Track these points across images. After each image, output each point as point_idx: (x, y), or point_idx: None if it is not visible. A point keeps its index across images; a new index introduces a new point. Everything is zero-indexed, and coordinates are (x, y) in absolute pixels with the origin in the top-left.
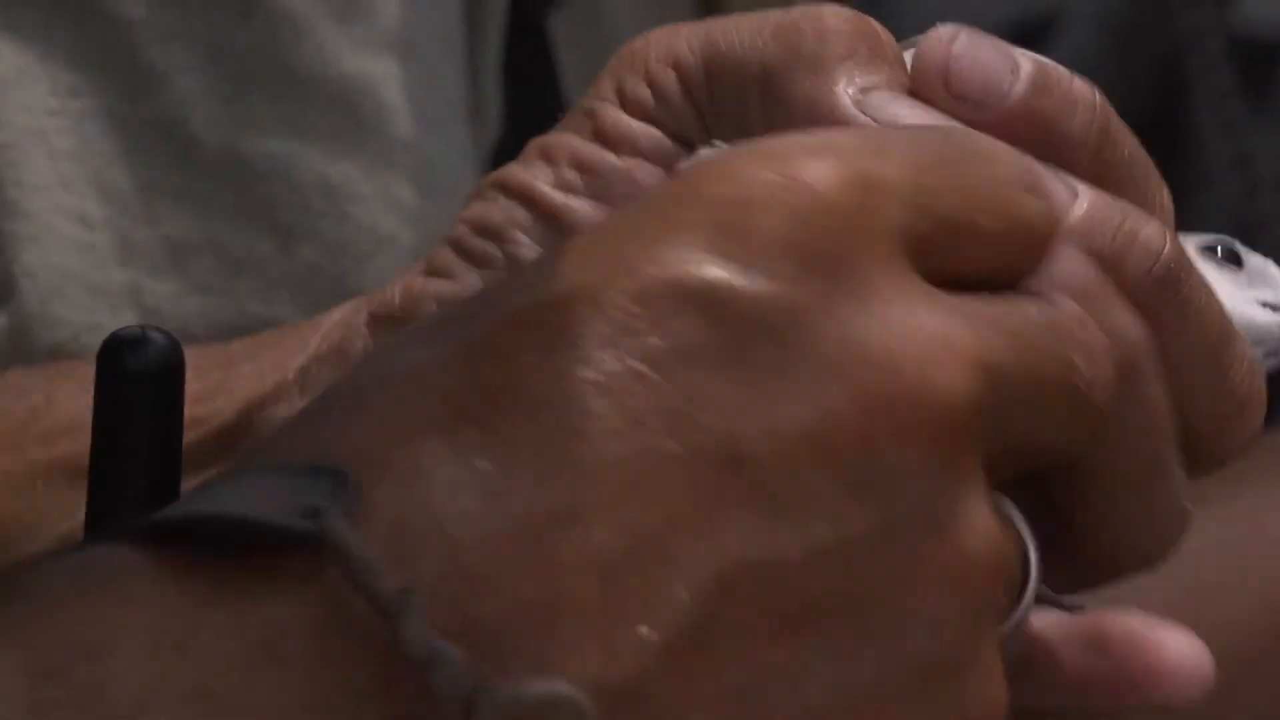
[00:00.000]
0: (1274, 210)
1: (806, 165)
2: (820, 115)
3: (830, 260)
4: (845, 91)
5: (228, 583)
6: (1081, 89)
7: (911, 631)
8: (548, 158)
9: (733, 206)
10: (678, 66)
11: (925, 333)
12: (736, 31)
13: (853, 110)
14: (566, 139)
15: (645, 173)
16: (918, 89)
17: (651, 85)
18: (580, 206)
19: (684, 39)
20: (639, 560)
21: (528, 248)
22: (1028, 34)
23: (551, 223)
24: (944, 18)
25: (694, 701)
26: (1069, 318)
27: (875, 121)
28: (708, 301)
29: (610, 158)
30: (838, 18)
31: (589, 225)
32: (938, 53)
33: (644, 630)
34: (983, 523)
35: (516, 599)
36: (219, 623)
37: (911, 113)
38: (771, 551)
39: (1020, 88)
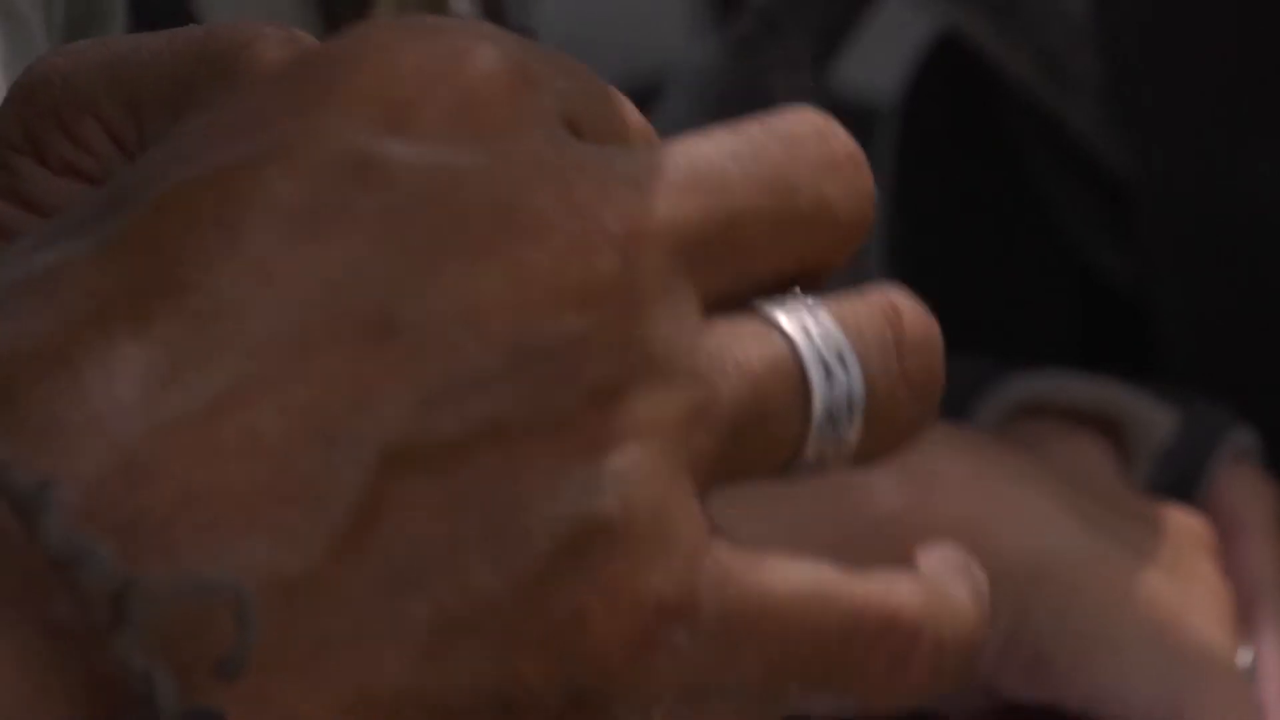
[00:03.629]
0: (872, 276)
1: (470, 44)
2: None
3: (494, 133)
4: None
5: None
6: None
7: (569, 504)
8: None
9: (396, 79)
10: (99, 115)
11: (581, 208)
12: (157, 68)
13: None
14: None
15: None
16: None
17: (71, 137)
18: None
19: (100, 81)
20: (304, 442)
21: None
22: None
23: None
24: None
25: (360, 582)
26: (779, 139)
27: None
28: (368, 173)
29: (36, 224)
30: (272, 46)
31: (225, 97)
32: None
33: (312, 514)
34: (669, 380)
35: (181, 489)
36: None
37: None
38: (431, 429)
39: None
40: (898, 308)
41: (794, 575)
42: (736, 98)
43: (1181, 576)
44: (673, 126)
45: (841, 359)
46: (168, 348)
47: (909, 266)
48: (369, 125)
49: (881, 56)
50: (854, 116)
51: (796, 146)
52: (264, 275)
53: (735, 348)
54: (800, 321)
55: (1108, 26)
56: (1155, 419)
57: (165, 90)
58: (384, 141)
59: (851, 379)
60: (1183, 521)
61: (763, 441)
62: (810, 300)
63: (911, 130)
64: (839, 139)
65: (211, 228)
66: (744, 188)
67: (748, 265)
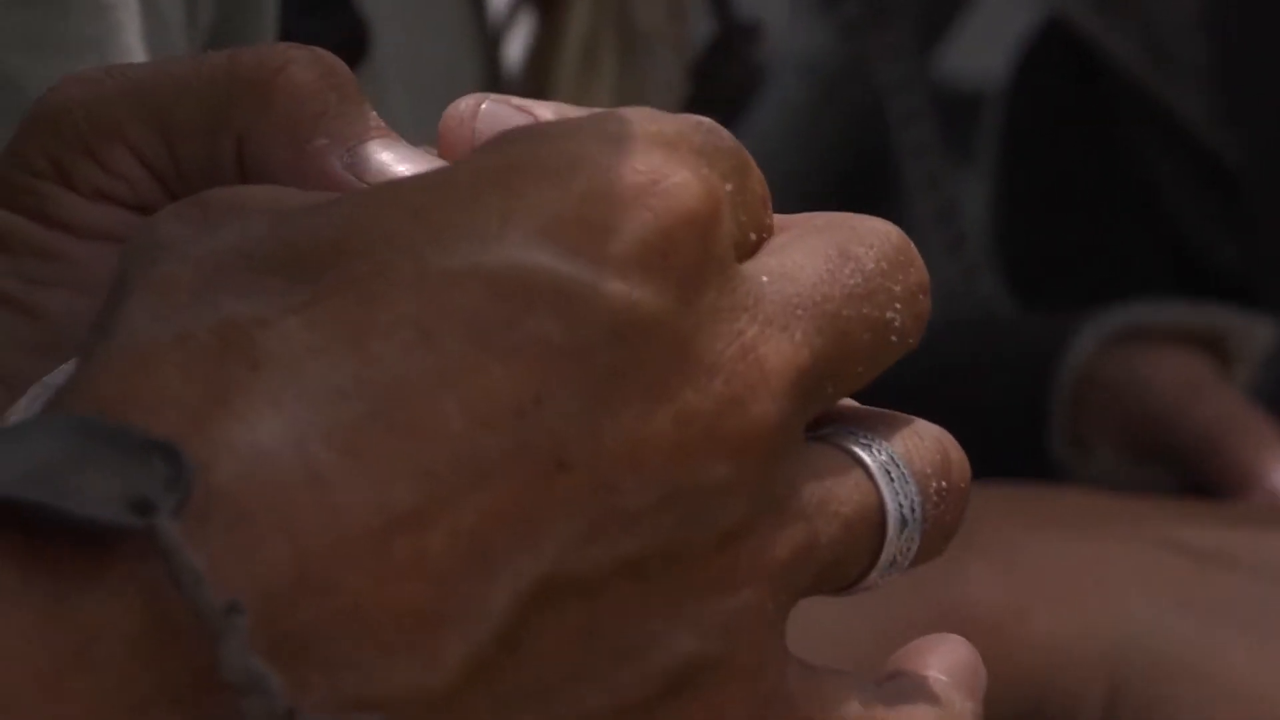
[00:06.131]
0: (978, 262)
1: (673, 171)
2: (309, 183)
3: (680, 273)
4: (333, 157)
5: (41, 573)
6: None
7: (687, 640)
8: None
9: (598, 200)
10: (128, 142)
11: (745, 352)
12: (188, 94)
13: (345, 175)
14: (15, 223)
15: (116, 253)
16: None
17: (100, 164)
18: (51, 299)
19: (124, 107)
20: (466, 567)
21: None
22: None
23: (20, 319)
24: None
25: (486, 700)
26: (882, 273)
27: (367, 179)
28: (564, 302)
29: (72, 243)
30: (304, 69)
31: (409, 181)
32: (461, 133)
33: (461, 638)
34: (785, 524)
35: (350, 605)
36: (25, 622)
37: (398, 157)
38: (584, 564)
39: None
40: (950, 456)
41: (843, 709)
42: (842, 82)
43: None
44: (778, 110)
45: (914, 509)
46: (357, 457)
47: (1014, 253)
48: (569, 249)
49: (987, 43)
50: (959, 103)
51: (895, 279)
52: (455, 392)
53: (833, 489)
54: (884, 468)
55: (1216, 13)
56: (1255, 330)
57: (197, 116)
58: (580, 266)
59: (915, 526)
60: None
61: (836, 574)
62: (883, 441)
63: (1017, 116)
64: (919, 266)
65: (409, 329)
66: (858, 329)
67: (839, 392)
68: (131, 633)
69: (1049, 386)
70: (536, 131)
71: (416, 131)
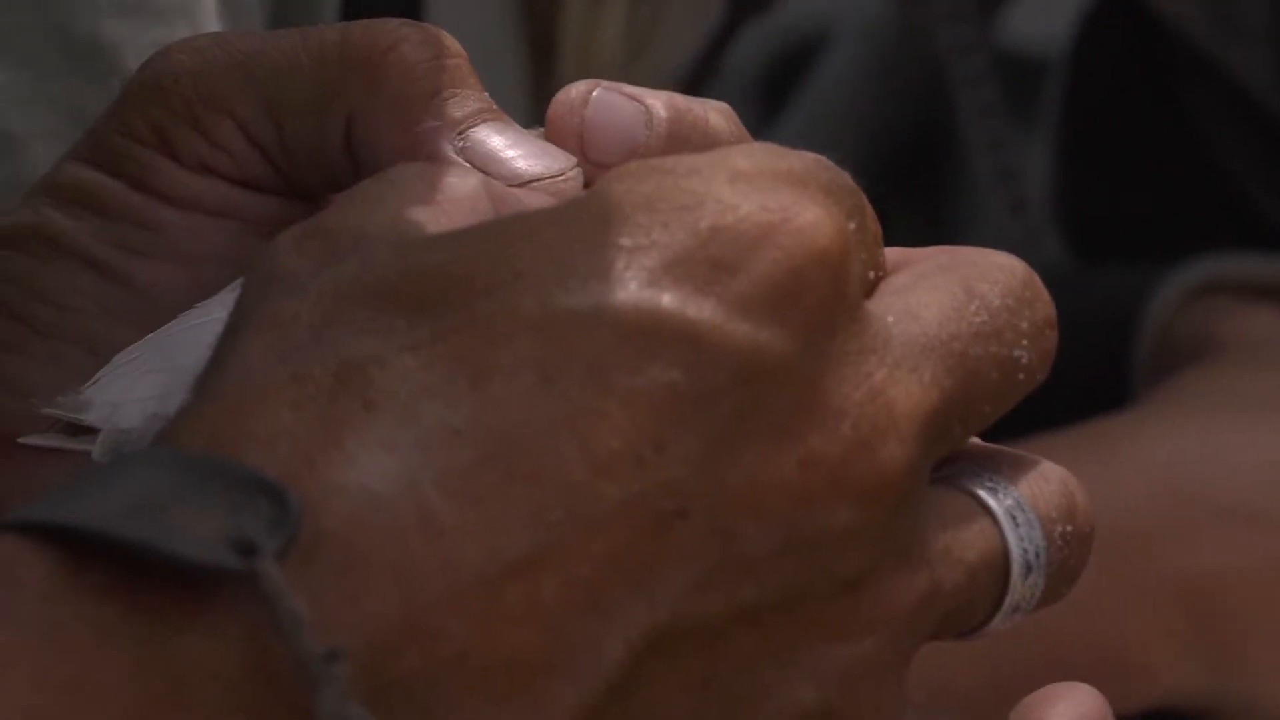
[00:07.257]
0: (1041, 226)
1: (799, 205)
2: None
3: (809, 314)
4: (444, 140)
5: (139, 611)
6: (716, 118)
7: (804, 690)
8: (95, 209)
9: (723, 240)
10: (234, 116)
11: (874, 396)
12: (298, 71)
13: (456, 160)
14: (114, 189)
15: (214, 228)
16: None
17: (205, 135)
18: (145, 268)
19: (233, 82)
20: (580, 616)
21: (87, 315)
22: (795, 56)
23: (111, 286)
24: None
25: None
26: (1008, 310)
27: (479, 164)
28: (690, 345)
29: (170, 214)
30: (416, 48)
31: (538, 216)
32: (571, 120)
33: (570, 686)
34: (908, 571)
35: (458, 652)
36: (122, 661)
37: (509, 142)
38: (700, 612)
39: (656, 138)
40: (1075, 499)
41: None
42: (903, 49)
43: None
44: (838, 77)
45: (1038, 554)
46: (471, 502)
47: (1076, 215)
48: (695, 290)
49: (1049, 6)
50: (1021, 67)
51: (1021, 315)
52: (575, 439)
53: (958, 535)
54: (1010, 513)
55: None
56: None
57: (306, 93)
58: (706, 307)
59: (1039, 572)
60: None
61: (958, 620)
62: (1009, 485)
63: (1079, 79)
64: (1045, 300)
65: (531, 372)
66: (986, 367)
67: (966, 433)
68: (228, 674)
69: (1130, 343)
70: (663, 167)
71: None
